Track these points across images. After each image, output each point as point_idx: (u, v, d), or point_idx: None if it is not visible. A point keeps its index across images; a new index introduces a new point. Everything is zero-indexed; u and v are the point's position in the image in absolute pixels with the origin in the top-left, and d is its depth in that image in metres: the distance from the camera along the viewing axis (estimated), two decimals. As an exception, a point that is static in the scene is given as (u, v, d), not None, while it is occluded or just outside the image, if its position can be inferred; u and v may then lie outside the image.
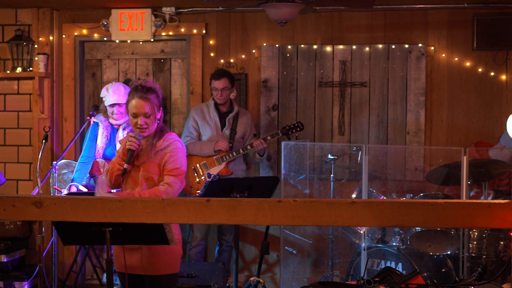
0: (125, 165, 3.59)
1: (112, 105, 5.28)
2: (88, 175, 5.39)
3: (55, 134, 6.24)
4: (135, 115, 3.58)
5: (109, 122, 5.39)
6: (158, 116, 3.64)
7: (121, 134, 5.35)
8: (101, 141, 5.39)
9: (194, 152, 5.45)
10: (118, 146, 5.37)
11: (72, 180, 5.34)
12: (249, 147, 5.47)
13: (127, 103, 3.66)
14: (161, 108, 3.66)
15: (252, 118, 5.78)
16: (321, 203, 2.08)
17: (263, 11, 5.31)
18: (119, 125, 5.38)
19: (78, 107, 6.30)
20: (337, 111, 6.01)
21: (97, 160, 5.42)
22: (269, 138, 5.49)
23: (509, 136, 5.45)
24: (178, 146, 3.62)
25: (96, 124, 5.42)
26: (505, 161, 5.23)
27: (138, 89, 3.59)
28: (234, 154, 5.46)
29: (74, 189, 5.26)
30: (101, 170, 5.39)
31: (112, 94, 5.25)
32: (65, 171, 5.56)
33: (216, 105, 5.59)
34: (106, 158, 5.43)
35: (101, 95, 5.38)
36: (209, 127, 5.54)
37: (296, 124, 5.54)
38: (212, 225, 5.87)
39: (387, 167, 5.92)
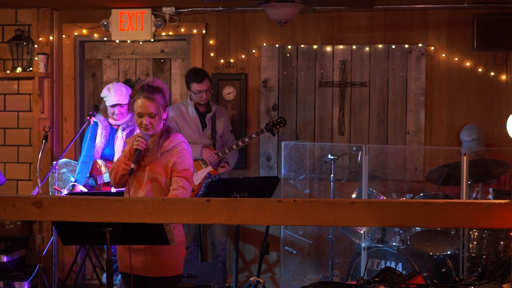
0: (132, 165, 3.55)
1: (114, 106, 5.28)
2: (88, 175, 5.39)
3: (55, 134, 6.24)
4: (140, 115, 3.57)
5: (108, 122, 5.40)
6: (164, 116, 3.62)
7: (120, 135, 5.35)
8: (99, 141, 5.39)
9: None
10: (117, 146, 5.37)
11: (75, 181, 5.33)
12: (234, 146, 5.41)
13: (132, 102, 3.65)
14: (167, 108, 3.65)
15: (227, 114, 5.76)
16: (321, 203, 2.08)
17: (263, 11, 5.31)
18: (119, 126, 5.38)
19: (78, 107, 6.30)
20: (337, 111, 6.01)
21: (97, 160, 5.42)
22: (254, 136, 5.42)
23: (467, 132, 5.53)
24: (184, 147, 3.61)
25: (96, 124, 5.41)
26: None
27: (144, 89, 3.58)
28: (220, 154, 5.41)
29: (78, 189, 5.25)
30: (101, 170, 5.39)
31: (114, 94, 5.25)
32: (64, 170, 5.56)
33: (195, 105, 5.54)
34: (104, 158, 5.43)
35: (102, 95, 5.37)
36: (190, 128, 5.45)
37: (279, 120, 5.47)
38: (203, 228, 5.87)
39: (387, 167, 5.92)
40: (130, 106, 5.33)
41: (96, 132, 5.42)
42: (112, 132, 5.41)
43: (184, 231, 5.43)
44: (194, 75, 5.41)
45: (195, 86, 5.40)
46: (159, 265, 3.55)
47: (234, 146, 5.41)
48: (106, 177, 5.37)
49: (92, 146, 5.41)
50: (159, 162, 3.57)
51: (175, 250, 3.55)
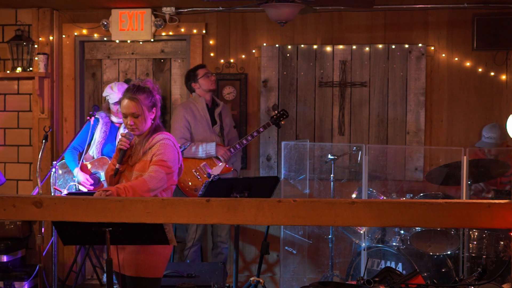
0: (117, 165, 3.64)
1: (117, 103, 5.34)
2: (75, 161, 5.45)
3: (55, 134, 6.24)
4: (125, 115, 3.64)
5: (109, 119, 5.45)
6: (152, 116, 3.65)
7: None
8: (99, 136, 5.43)
9: (191, 155, 5.42)
10: None
11: (72, 170, 5.41)
12: (244, 141, 5.49)
13: (119, 103, 3.72)
14: (154, 108, 3.67)
15: (230, 111, 5.85)
16: (321, 203, 2.08)
17: (263, 11, 5.31)
18: (121, 124, 5.42)
19: (78, 107, 6.30)
20: (337, 111, 6.01)
21: (84, 163, 5.43)
22: (261, 129, 5.54)
23: (487, 129, 5.50)
24: (166, 143, 3.61)
25: (97, 119, 5.47)
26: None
27: (130, 89, 3.65)
28: (232, 150, 5.45)
29: (83, 177, 5.32)
30: (91, 169, 5.43)
31: (118, 92, 5.33)
32: (64, 170, 5.56)
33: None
34: (104, 155, 5.46)
35: (105, 94, 5.43)
36: (201, 125, 5.48)
37: (282, 112, 5.62)
38: (207, 226, 5.88)
39: (387, 167, 5.92)
40: None
41: (96, 127, 5.46)
42: (112, 128, 5.46)
43: (191, 231, 5.41)
44: (195, 66, 5.59)
45: (202, 71, 5.51)
46: (138, 264, 3.52)
47: (244, 141, 5.51)
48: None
49: (83, 139, 5.46)
50: (143, 160, 3.60)
51: (158, 251, 3.53)
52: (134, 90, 3.62)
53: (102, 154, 5.44)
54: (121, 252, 3.54)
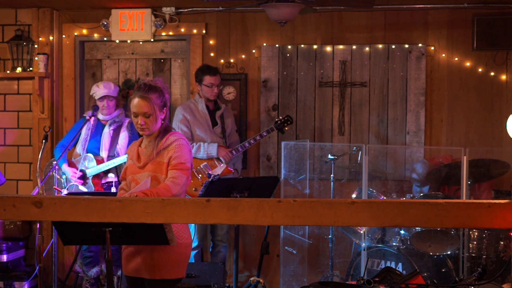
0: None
1: (102, 98, 5.43)
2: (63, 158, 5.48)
3: (55, 134, 6.24)
4: (136, 115, 3.55)
5: (95, 116, 5.52)
6: (162, 116, 3.58)
7: (107, 130, 5.46)
8: (85, 133, 5.51)
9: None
10: (103, 141, 5.49)
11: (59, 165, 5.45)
12: (247, 144, 5.48)
13: (128, 102, 3.65)
14: (165, 108, 3.61)
15: (233, 114, 5.83)
16: (321, 203, 2.08)
17: (263, 11, 5.31)
18: (107, 121, 5.48)
19: (78, 107, 6.31)
20: (337, 111, 6.01)
21: (72, 160, 5.48)
22: (264, 134, 5.51)
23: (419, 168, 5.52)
24: (182, 143, 3.56)
25: (84, 118, 5.57)
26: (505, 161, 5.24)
27: (141, 88, 3.54)
28: (234, 152, 5.45)
29: (69, 170, 5.39)
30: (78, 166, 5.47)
31: (103, 88, 5.50)
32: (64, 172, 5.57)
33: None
34: (88, 150, 5.50)
35: (91, 93, 5.57)
36: (201, 125, 5.48)
37: (286, 118, 5.55)
38: (207, 227, 5.87)
39: (387, 167, 5.92)
40: (119, 102, 5.59)
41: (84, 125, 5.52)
42: (97, 125, 5.51)
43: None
44: (207, 69, 5.50)
45: (208, 79, 5.44)
46: (159, 266, 3.45)
47: (247, 144, 5.49)
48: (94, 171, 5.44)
49: (71, 137, 5.51)
50: (156, 161, 3.53)
51: (176, 252, 3.45)
52: (146, 89, 3.52)
53: (86, 151, 5.47)
54: (138, 256, 3.47)
